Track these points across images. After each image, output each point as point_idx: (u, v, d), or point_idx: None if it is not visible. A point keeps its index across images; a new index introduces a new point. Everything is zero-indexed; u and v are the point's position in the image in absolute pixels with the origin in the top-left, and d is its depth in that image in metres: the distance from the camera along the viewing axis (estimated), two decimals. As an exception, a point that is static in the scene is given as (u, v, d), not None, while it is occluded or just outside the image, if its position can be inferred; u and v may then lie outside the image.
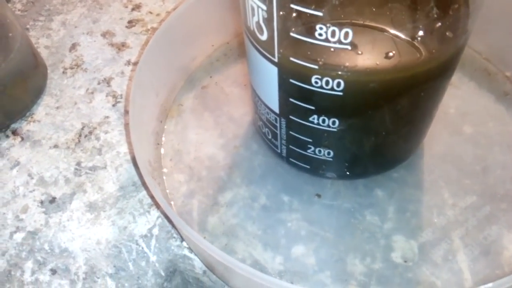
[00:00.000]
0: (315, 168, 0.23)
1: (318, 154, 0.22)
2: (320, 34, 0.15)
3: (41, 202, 0.26)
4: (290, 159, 0.24)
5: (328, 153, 0.21)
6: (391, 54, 0.16)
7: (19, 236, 0.25)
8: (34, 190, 0.27)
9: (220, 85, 0.31)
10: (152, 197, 0.26)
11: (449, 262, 0.22)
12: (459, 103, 0.28)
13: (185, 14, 0.29)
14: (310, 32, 0.15)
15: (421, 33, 0.16)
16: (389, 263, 0.22)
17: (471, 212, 0.23)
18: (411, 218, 0.23)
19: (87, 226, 0.25)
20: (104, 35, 0.35)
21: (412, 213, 0.23)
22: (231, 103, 0.29)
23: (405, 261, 0.22)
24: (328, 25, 0.15)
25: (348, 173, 0.23)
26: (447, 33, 0.17)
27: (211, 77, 0.31)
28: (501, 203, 0.24)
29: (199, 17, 0.30)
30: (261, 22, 0.17)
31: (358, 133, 0.20)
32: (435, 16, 0.15)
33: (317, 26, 0.15)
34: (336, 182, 0.25)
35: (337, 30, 0.15)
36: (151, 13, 0.37)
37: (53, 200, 0.26)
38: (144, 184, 0.26)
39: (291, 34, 0.16)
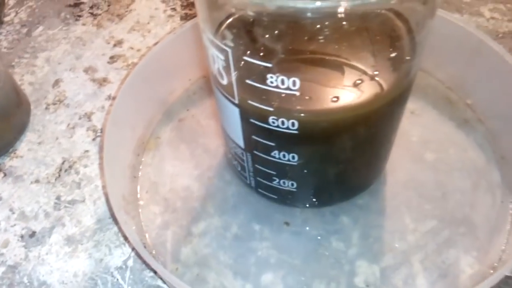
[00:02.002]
0: (282, 198, 0.25)
1: (283, 185, 0.23)
2: (271, 82, 0.17)
3: (22, 236, 0.27)
4: (259, 189, 0.25)
5: (292, 184, 0.23)
6: (335, 98, 0.18)
7: (-1, 270, 0.26)
8: (15, 225, 0.28)
9: (197, 117, 0.32)
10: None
11: (409, 286, 0.23)
12: (421, 131, 0.29)
13: (163, 50, 0.30)
14: (263, 80, 0.17)
15: (361, 79, 0.18)
16: (353, 288, 0.23)
17: (431, 237, 0.25)
18: (373, 243, 0.24)
19: (65, 259, 0.26)
20: (86, 70, 0.37)
21: (375, 239, 0.25)
22: (206, 135, 0.31)
23: (367, 286, 0.23)
24: (277, 74, 0.16)
25: (314, 201, 0.25)
26: (390, 75, 0.19)
27: (188, 110, 0.32)
28: (459, 227, 0.25)
29: (177, 52, 0.32)
30: (221, 69, 0.19)
31: (317, 165, 0.22)
32: (377, 60, 0.17)
33: (268, 75, 0.16)
34: (304, 210, 0.26)
35: (285, 79, 0.16)
36: (132, 48, 0.38)
37: (33, 234, 0.27)
38: (115, 220, 0.27)
39: (247, 81, 0.18)
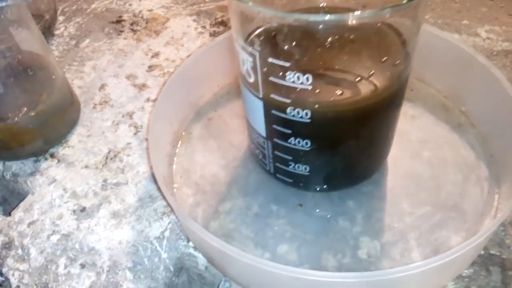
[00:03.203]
0: (296, 181, 0.29)
1: (298, 169, 0.27)
2: (289, 78, 0.21)
3: (74, 211, 0.32)
4: (277, 174, 0.29)
5: (305, 168, 0.27)
6: (341, 92, 0.22)
7: (54, 238, 0.31)
8: (68, 202, 0.33)
9: (223, 117, 0.37)
10: (166, 206, 0.31)
11: (405, 258, 0.27)
12: (420, 132, 0.34)
13: (196, 61, 0.35)
14: (282, 77, 0.22)
15: (361, 78, 0.22)
16: (356, 259, 0.27)
17: (425, 219, 0.28)
18: (375, 223, 0.28)
19: (111, 230, 0.30)
20: (128, 77, 0.42)
21: (377, 219, 0.29)
22: (231, 131, 0.35)
23: (369, 257, 0.27)
24: (294, 72, 0.21)
25: (324, 185, 0.29)
26: (386, 75, 0.23)
27: (215, 111, 0.37)
28: (450, 212, 0.29)
29: (207, 63, 0.37)
30: (249, 69, 0.23)
31: (327, 152, 0.26)
32: (375, 63, 0.21)
33: (287, 73, 0.21)
34: (315, 194, 0.30)
35: (300, 75, 0.21)
36: (167, 59, 0.44)
37: (83, 209, 0.32)
38: (160, 192, 0.31)
39: (270, 78, 0.22)
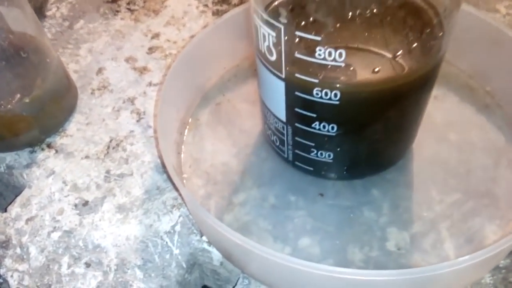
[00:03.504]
0: (318, 169, 0.27)
1: (320, 156, 0.25)
2: (319, 55, 0.19)
3: (75, 205, 0.30)
4: (296, 162, 0.27)
5: (329, 155, 0.25)
6: (377, 69, 0.20)
7: (56, 235, 0.28)
8: (68, 195, 0.30)
9: (232, 102, 0.34)
10: (175, 198, 0.29)
11: (437, 250, 0.25)
12: (444, 114, 0.31)
13: (201, 42, 0.33)
14: (311, 53, 0.19)
15: (400, 52, 0.20)
16: (384, 251, 0.25)
17: (456, 207, 0.26)
18: (403, 213, 0.26)
19: (117, 225, 0.28)
20: (127, 60, 0.39)
21: (404, 209, 0.27)
22: (241, 117, 0.33)
23: (399, 249, 0.25)
24: (326, 47, 0.19)
25: (346, 173, 0.27)
26: (423, 52, 0.21)
27: (223, 95, 0.35)
28: (483, 199, 0.27)
29: (213, 44, 0.34)
30: (271, 46, 0.21)
31: (353, 137, 0.24)
32: (412, 38, 0.19)
33: (317, 48, 0.19)
34: (337, 183, 0.28)
35: (333, 51, 0.19)
36: (168, 41, 0.41)
37: (86, 203, 0.30)
38: (171, 183, 0.29)
39: (296, 55, 0.20)
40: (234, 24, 0.34)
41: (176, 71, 0.30)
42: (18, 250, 0.28)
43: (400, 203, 0.27)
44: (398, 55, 0.20)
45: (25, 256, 0.27)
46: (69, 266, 0.27)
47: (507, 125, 0.31)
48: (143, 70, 0.38)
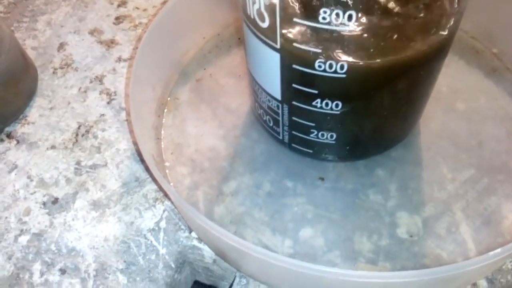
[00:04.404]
0: (317, 152, 0.24)
1: (321, 138, 0.22)
2: (324, 18, 0.15)
3: (44, 204, 0.26)
4: (293, 144, 0.24)
5: (331, 136, 0.22)
6: (392, 35, 0.17)
7: (24, 239, 0.25)
8: (35, 192, 0.26)
9: (215, 77, 0.31)
10: (158, 190, 0.26)
11: (453, 234, 0.23)
12: (450, 81, 0.29)
13: (175, 8, 0.29)
14: (314, 17, 0.16)
15: (419, 15, 0.17)
16: (395, 239, 0.23)
17: (470, 185, 0.24)
18: (413, 194, 0.24)
19: (93, 224, 0.25)
20: (92, 33, 0.35)
21: (414, 190, 0.24)
22: (227, 94, 0.29)
23: (411, 236, 0.23)
24: (332, 8, 0.15)
25: (349, 154, 0.24)
26: (443, 14, 0.18)
27: (204, 69, 0.31)
28: (498, 175, 0.24)
29: (189, 10, 0.30)
30: (262, 9, 0.17)
31: (360, 114, 0.21)
32: (422, 9, 0.16)
33: (321, 10, 0.15)
34: (337, 164, 0.25)
35: (341, 12, 0.15)
36: (137, 8, 0.36)
37: (55, 200, 0.26)
38: (152, 176, 0.26)
39: (295, 19, 0.16)
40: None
41: (148, 43, 0.26)
42: (-20, 259, 0.24)
43: (408, 184, 0.24)
44: (417, 19, 0.17)
45: (-12, 266, 0.24)
46: (41, 274, 0.24)
47: (517, 90, 0.28)
48: (110, 44, 0.34)
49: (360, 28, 0.16)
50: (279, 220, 0.24)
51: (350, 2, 0.15)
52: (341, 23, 0.15)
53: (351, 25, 0.16)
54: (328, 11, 0.15)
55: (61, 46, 0.34)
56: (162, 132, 0.28)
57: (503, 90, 0.28)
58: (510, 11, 0.28)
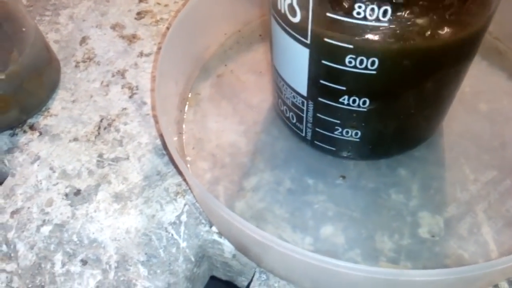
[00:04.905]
0: (340, 149, 0.24)
1: (345, 135, 0.22)
2: (358, 13, 0.15)
3: (66, 195, 0.26)
4: (315, 142, 0.24)
5: (356, 134, 0.22)
6: (425, 31, 0.17)
7: (46, 229, 0.25)
8: (57, 183, 0.27)
9: (235, 73, 0.31)
10: (179, 184, 0.26)
11: (475, 235, 0.22)
12: (473, 82, 0.28)
13: (198, 4, 0.29)
14: (348, 11, 0.16)
15: (452, 12, 0.17)
16: (417, 239, 0.22)
17: (493, 186, 0.24)
18: (435, 194, 0.24)
19: (115, 216, 0.25)
20: (113, 27, 0.35)
21: (436, 190, 0.24)
22: (248, 90, 0.30)
23: (432, 236, 0.22)
24: (366, 3, 0.15)
25: (372, 153, 0.24)
26: (474, 12, 0.18)
27: (225, 65, 0.31)
28: (520, 177, 0.24)
29: (211, 6, 0.30)
30: (294, 4, 0.17)
31: (386, 112, 0.21)
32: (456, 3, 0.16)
33: (356, 5, 0.15)
34: (359, 163, 0.25)
35: (375, 8, 0.15)
36: (159, 4, 0.37)
37: (78, 192, 0.26)
38: (176, 168, 0.26)
39: (328, 14, 0.16)
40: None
41: (172, 38, 0.26)
42: (4, 248, 0.25)
43: (430, 184, 0.24)
44: (450, 15, 0.17)
45: (12, 255, 0.24)
46: (63, 265, 0.24)
47: (541, 93, 0.28)
48: (132, 39, 0.34)
49: (394, 24, 0.16)
50: (299, 217, 0.24)
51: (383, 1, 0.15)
52: (375, 18, 0.15)
53: (385, 20, 0.15)
54: (363, 6, 0.15)
55: (83, 40, 0.34)
56: (184, 126, 0.28)
57: (526, 92, 0.28)
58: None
